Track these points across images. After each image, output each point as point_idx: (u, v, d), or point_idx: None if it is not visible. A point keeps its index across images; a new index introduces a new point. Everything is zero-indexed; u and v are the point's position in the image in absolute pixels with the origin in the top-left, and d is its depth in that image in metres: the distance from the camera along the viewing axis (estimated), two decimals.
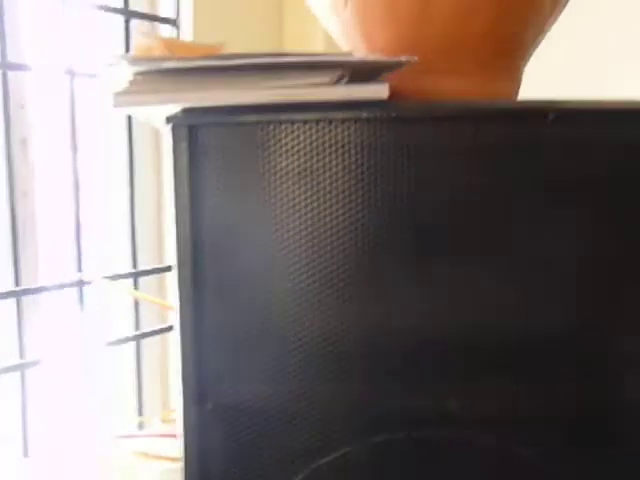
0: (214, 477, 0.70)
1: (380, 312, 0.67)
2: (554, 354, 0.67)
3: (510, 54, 0.75)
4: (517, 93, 0.76)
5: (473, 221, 0.65)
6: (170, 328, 1.42)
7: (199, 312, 0.68)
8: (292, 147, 0.66)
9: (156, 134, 1.42)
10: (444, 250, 0.66)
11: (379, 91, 0.61)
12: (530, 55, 0.76)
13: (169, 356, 1.50)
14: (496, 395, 0.67)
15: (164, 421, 1.27)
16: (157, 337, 1.45)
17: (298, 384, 0.68)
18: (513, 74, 0.75)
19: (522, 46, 0.75)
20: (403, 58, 0.61)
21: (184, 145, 0.67)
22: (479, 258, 0.66)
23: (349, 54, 0.63)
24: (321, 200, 0.66)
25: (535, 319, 0.67)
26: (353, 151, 0.65)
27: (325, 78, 0.62)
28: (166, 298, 1.47)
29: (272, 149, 0.66)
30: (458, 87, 0.72)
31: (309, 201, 0.66)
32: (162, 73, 0.63)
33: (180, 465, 0.70)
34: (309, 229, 0.66)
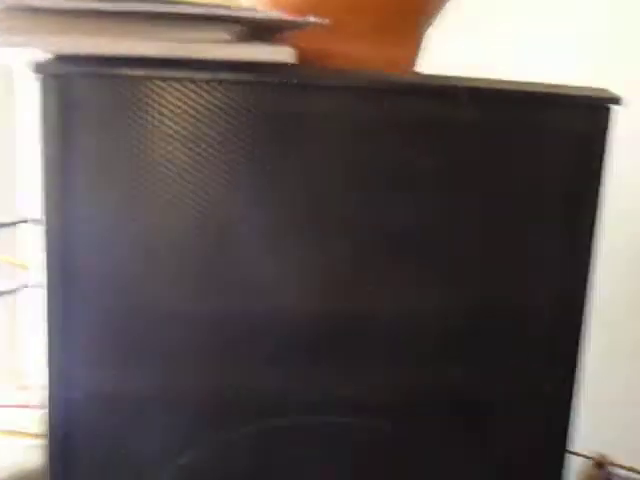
0: (81, 465, 0.64)
1: (264, 294, 0.62)
2: (439, 338, 0.66)
3: (412, 19, 0.71)
4: (418, 58, 0.73)
5: (364, 197, 0.62)
6: (21, 287, 1.30)
7: (67, 287, 0.61)
8: (178, 108, 0.59)
9: (8, 74, 1.28)
10: (331, 227, 0.62)
11: (284, 54, 0.55)
12: (433, 20, 0.73)
13: (19, 317, 1.38)
14: (385, 381, 0.65)
15: (17, 388, 1.18)
16: (6, 297, 1.33)
17: (175, 370, 0.62)
18: (415, 39, 0.72)
19: (425, 11, 0.71)
20: (312, 18, 0.55)
21: (54, 98, 0.58)
22: (363, 238, 0.63)
23: (252, 9, 0.56)
24: (206, 170, 0.59)
25: (417, 302, 0.65)
26: (246, 117, 0.59)
27: (222, 34, 0.55)
28: (17, 253, 1.35)
29: (156, 108, 0.59)
30: (358, 51, 0.68)
31: (193, 170, 0.60)
32: (30, 11, 0.54)
33: (43, 442, 0.63)
34: (189, 197, 0.60)
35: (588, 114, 0.65)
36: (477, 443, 0.67)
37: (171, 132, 0.59)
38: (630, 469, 0.95)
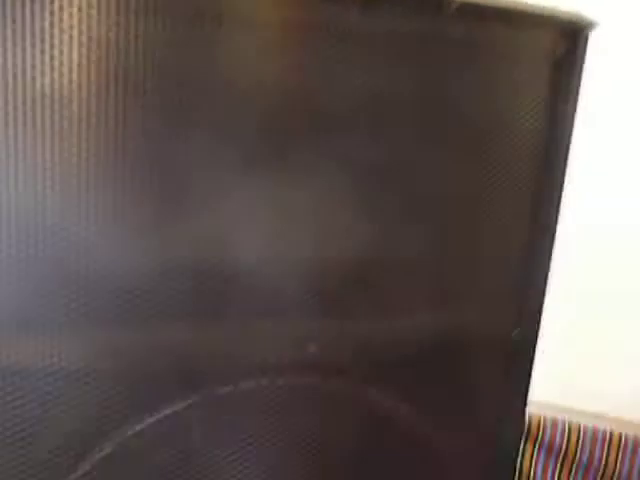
0: None
1: (209, 242, 0.52)
2: (413, 288, 0.59)
3: None
4: None
5: (325, 126, 0.52)
6: None
7: None
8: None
9: None
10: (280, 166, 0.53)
11: None
12: None
13: None
14: (356, 337, 0.57)
15: None
16: None
17: (98, 333, 0.50)
18: None
19: None
20: None
21: None
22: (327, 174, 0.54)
23: None
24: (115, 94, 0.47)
25: (389, 252, 0.58)
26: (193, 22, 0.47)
27: None
28: None
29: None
30: None
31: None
32: None
33: None
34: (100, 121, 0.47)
35: (563, 38, 0.60)
36: (451, 389, 0.62)
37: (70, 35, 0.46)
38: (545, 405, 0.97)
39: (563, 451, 0.98)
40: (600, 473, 0.97)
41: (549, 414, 0.98)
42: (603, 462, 0.97)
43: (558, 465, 0.99)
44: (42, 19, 0.45)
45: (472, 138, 0.59)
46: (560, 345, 0.96)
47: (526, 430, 0.96)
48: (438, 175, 0.58)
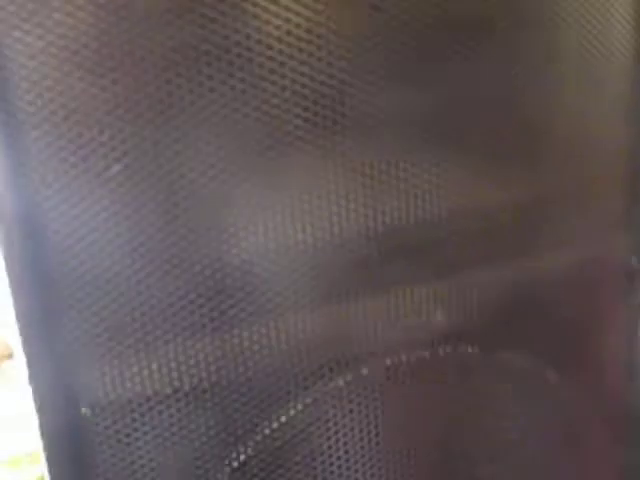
0: None
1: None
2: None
3: None
4: None
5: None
6: None
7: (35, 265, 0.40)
8: None
9: None
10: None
11: None
12: None
13: None
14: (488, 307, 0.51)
15: None
16: None
17: (223, 340, 0.44)
18: None
19: None
20: None
21: None
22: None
23: None
24: None
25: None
26: None
27: None
28: None
29: None
30: None
31: None
32: None
33: None
34: None
35: None
36: (575, 336, 0.56)
37: None
38: None
39: None
40: None
41: None
42: None
43: None
44: None
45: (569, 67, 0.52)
46: None
47: None
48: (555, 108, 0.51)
